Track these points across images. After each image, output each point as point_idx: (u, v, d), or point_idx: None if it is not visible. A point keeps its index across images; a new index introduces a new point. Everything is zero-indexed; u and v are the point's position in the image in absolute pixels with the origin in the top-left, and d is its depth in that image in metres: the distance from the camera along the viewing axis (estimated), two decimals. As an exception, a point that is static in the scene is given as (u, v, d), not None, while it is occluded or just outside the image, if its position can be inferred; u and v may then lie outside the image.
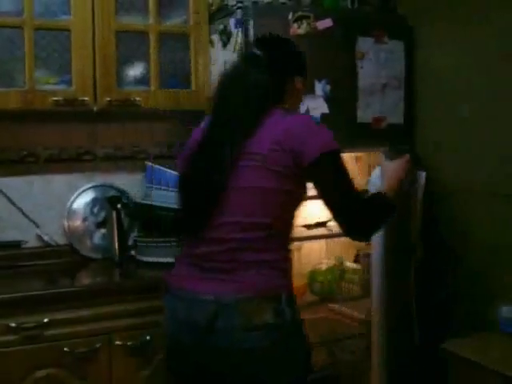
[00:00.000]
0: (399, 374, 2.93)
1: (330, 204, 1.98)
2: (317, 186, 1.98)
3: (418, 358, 2.90)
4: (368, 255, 2.98)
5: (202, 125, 2.19)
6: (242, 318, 1.90)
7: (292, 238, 2.08)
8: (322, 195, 1.98)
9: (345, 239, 2.51)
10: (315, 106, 2.77)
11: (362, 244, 3.04)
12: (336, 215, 1.98)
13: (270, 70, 2.05)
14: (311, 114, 2.75)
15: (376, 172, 2.69)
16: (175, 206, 2.96)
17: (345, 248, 3.23)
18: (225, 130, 2.03)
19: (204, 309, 1.94)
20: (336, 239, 3.15)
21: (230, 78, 2.14)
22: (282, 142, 1.93)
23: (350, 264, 3.21)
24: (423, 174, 2.90)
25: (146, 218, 3.07)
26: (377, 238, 2.81)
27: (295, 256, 2.93)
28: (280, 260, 2.01)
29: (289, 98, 2.13)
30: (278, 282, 1.98)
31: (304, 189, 2.03)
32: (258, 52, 2.09)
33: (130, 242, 3.12)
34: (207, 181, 1.99)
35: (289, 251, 2.06)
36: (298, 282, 2.51)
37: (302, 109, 2.75)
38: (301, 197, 2.04)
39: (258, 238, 1.96)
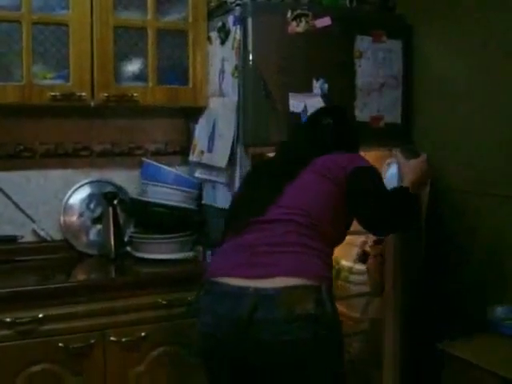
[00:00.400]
0: (411, 373, 2.94)
1: (363, 203, 2.18)
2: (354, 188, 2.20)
3: (428, 355, 2.91)
4: (377, 255, 3.00)
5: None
6: (283, 309, 1.93)
7: (337, 243, 2.29)
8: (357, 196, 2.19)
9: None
10: (312, 104, 2.76)
11: (360, 243, 3.05)
12: (366, 213, 2.17)
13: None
14: (308, 111, 2.75)
15: (391, 171, 2.68)
16: (171, 203, 3.00)
17: (340, 247, 3.23)
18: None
19: (245, 301, 1.97)
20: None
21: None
22: (339, 162, 2.25)
23: (345, 263, 3.21)
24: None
25: (142, 214, 3.08)
26: (389, 238, 2.85)
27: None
28: (326, 253, 2.14)
29: None
30: (321, 271, 2.06)
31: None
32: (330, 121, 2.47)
33: (126, 238, 3.12)
34: (282, 170, 2.30)
35: (333, 251, 2.23)
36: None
37: (300, 107, 2.75)
38: (346, 210, 2.23)
39: (310, 227, 2.11)
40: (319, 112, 2.61)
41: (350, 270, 3.16)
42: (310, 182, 2.23)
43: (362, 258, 3.10)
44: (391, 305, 2.94)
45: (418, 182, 2.37)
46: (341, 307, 3.07)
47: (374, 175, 2.26)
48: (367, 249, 3.08)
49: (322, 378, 2.03)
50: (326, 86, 2.83)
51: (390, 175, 2.67)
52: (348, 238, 2.42)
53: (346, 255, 3.23)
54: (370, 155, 2.78)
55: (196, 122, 3.10)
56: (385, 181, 2.61)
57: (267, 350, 1.97)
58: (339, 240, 2.32)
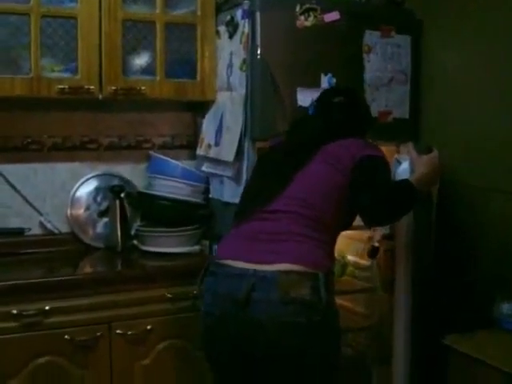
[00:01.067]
0: (419, 369, 2.95)
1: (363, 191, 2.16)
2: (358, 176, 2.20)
3: (436, 351, 2.92)
4: (387, 251, 2.99)
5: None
6: (279, 291, 1.98)
7: (340, 232, 2.31)
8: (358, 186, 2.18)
9: (346, 233, 2.53)
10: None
11: (366, 238, 3.04)
12: (365, 205, 2.15)
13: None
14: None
15: (403, 166, 2.67)
16: (178, 197, 3.00)
17: (346, 242, 3.22)
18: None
19: (244, 281, 2.03)
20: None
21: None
22: (351, 150, 2.25)
23: (351, 258, 3.20)
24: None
25: (149, 207, 3.08)
26: (400, 234, 2.86)
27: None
28: (327, 243, 2.16)
29: None
30: (320, 260, 2.09)
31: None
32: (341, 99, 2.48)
33: (133, 232, 3.13)
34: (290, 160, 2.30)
35: (335, 240, 2.26)
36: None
37: (308, 102, 2.75)
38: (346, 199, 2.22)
39: (313, 218, 2.14)
40: (329, 92, 2.61)
41: (357, 265, 3.15)
42: (317, 172, 2.23)
43: (372, 253, 3.08)
44: (402, 301, 2.93)
45: (429, 176, 2.36)
46: (347, 302, 3.08)
47: (381, 165, 2.26)
48: (376, 244, 3.06)
49: (317, 366, 2.06)
50: (334, 80, 2.82)
51: (403, 170, 2.66)
52: (354, 232, 2.42)
53: (351, 250, 3.22)
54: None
55: (203, 115, 3.10)
56: (396, 176, 2.62)
57: (263, 330, 2.01)
58: (343, 230, 2.35)
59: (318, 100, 2.59)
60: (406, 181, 2.28)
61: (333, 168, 2.22)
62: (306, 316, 1.99)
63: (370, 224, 2.37)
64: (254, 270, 2.03)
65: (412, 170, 2.48)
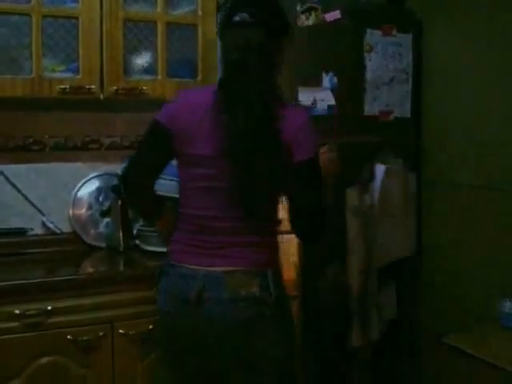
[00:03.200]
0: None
1: (300, 203, 2.06)
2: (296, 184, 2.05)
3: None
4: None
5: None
6: (228, 290, 2.02)
7: (279, 222, 2.20)
8: (296, 193, 2.06)
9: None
10: (322, 97, 2.76)
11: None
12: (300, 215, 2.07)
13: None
14: (318, 105, 2.75)
15: (378, 173, 2.70)
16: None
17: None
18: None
19: (195, 282, 2.05)
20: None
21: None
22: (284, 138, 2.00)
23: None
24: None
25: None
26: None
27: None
28: (268, 240, 2.13)
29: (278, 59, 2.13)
30: (264, 259, 2.09)
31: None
32: (244, 15, 2.03)
33: (135, 231, 3.13)
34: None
35: (276, 234, 2.18)
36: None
37: (309, 101, 2.75)
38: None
39: (261, 222, 2.09)
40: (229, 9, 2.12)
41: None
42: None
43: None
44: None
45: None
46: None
47: (319, 174, 2.09)
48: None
49: (273, 358, 2.07)
50: (335, 79, 2.82)
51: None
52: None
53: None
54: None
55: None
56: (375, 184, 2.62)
57: (216, 328, 2.04)
58: (277, 216, 2.24)
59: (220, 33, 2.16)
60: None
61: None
62: (257, 311, 2.02)
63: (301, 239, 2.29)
64: (205, 270, 2.05)
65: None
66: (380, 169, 2.87)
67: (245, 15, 2.01)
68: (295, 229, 2.11)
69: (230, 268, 2.05)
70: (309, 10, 2.78)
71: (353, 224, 2.87)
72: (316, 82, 2.80)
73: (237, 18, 2.02)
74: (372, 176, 2.90)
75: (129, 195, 2.28)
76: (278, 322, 2.08)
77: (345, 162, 2.37)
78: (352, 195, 2.86)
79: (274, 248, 2.16)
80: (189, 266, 2.09)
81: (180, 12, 3.00)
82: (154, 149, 2.18)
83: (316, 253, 2.81)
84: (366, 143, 2.90)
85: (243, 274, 2.04)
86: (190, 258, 2.11)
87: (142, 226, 3.11)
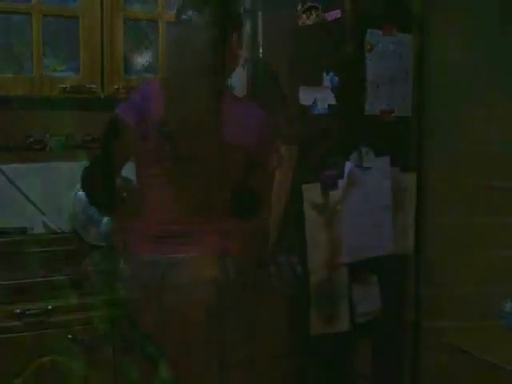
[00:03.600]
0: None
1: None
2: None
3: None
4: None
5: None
6: (188, 275, 2.13)
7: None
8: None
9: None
10: (322, 97, 2.76)
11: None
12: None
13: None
14: (318, 105, 2.75)
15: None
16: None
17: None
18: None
19: (157, 268, 2.16)
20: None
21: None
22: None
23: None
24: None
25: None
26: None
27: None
28: (228, 227, 2.22)
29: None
30: (225, 245, 2.19)
31: None
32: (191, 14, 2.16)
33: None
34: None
35: (236, 221, 2.26)
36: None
37: (310, 101, 2.75)
38: None
39: (212, 207, 2.21)
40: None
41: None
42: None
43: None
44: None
45: None
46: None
47: (268, 177, 2.37)
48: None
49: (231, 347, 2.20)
50: (336, 79, 2.82)
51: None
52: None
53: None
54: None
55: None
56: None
57: (180, 313, 2.14)
58: None
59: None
60: None
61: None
62: (218, 297, 2.13)
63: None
64: (166, 257, 2.15)
65: None
66: (348, 166, 2.87)
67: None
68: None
69: (191, 255, 2.14)
70: (309, 10, 2.78)
71: (312, 219, 2.88)
72: (316, 82, 2.80)
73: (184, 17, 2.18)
74: (341, 173, 2.89)
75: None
76: (238, 307, 2.18)
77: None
78: (311, 190, 2.86)
79: (234, 234, 2.24)
80: (151, 254, 2.19)
81: (181, 11, 2.99)
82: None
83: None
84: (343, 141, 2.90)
85: (204, 260, 2.15)
86: (151, 246, 2.20)
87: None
